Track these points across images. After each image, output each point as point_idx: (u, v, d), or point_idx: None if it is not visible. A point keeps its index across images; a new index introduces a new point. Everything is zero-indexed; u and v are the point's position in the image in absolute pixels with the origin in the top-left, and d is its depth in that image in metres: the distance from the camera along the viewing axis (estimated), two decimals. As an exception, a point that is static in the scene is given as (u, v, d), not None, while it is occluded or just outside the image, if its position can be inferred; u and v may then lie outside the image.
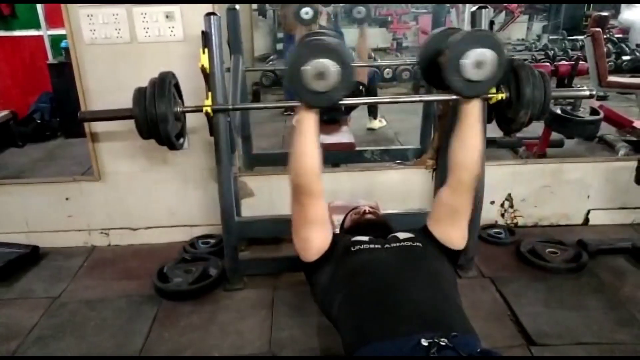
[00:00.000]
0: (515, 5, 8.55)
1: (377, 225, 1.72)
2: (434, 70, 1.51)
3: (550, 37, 8.59)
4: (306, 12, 3.64)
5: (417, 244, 1.51)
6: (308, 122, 1.44)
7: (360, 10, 3.97)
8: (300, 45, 1.46)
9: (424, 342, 1.15)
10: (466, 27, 2.38)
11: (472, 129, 1.49)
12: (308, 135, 1.44)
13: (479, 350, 1.19)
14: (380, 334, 1.23)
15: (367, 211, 1.81)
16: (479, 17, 2.09)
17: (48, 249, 2.75)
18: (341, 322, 1.39)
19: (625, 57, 6.61)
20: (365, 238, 1.57)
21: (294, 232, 1.54)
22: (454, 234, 1.53)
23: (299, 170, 1.44)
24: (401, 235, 1.57)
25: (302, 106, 1.44)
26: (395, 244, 1.52)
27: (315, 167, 1.44)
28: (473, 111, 1.49)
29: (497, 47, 1.42)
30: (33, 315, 2.22)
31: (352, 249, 1.50)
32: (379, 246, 1.51)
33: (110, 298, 2.33)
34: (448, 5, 3.06)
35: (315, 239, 1.51)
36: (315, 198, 1.47)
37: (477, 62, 1.41)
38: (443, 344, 1.14)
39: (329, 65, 1.35)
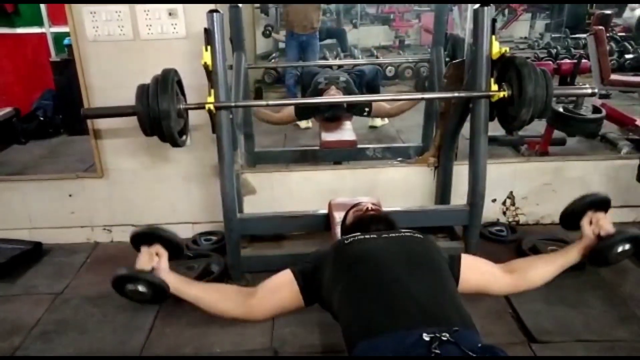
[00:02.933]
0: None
1: (380, 222, 1.68)
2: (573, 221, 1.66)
3: (553, 35, 8.59)
4: None
5: (418, 235, 1.50)
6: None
7: None
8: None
9: (426, 337, 1.14)
10: (468, 25, 2.38)
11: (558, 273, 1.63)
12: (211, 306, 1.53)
13: (479, 345, 1.19)
14: (381, 328, 1.22)
15: (369, 208, 1.79)
16: (481, 16, 2.09)
17: (51, 245, 2.76)
18: (341, 314, 1.38)
19: (628, 56, 6.59)
20: (358, 232, 1.55)
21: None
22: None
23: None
24: (403, 230, 1.56)
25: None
26: (394, 234, 1.51)
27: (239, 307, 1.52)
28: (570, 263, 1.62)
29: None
30: (36, 311, 2.23)
31: (345, 242, 1.49)
32: (375, 235, 1.50)
33: (113, 294, 2.30)
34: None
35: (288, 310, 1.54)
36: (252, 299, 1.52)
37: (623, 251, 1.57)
38: (445, 338, 1.14)
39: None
